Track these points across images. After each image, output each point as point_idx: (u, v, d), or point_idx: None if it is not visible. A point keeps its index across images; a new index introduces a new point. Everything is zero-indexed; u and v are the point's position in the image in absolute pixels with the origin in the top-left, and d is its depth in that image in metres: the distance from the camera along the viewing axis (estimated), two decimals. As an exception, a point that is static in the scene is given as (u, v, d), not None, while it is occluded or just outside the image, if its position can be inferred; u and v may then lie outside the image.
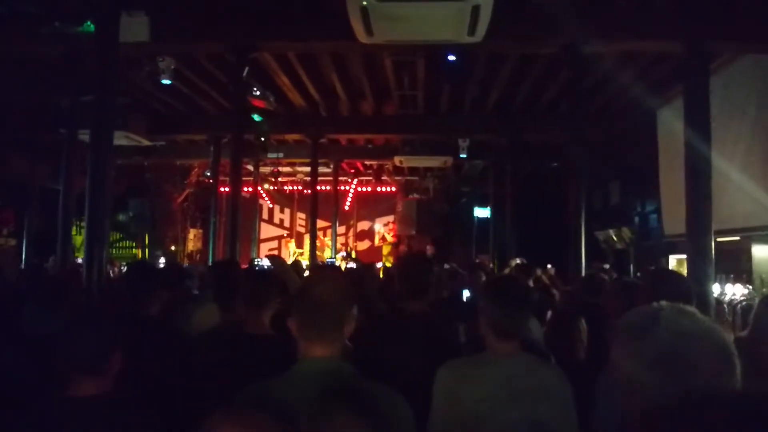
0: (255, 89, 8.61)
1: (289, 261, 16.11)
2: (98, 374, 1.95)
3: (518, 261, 9.01)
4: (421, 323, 2.70)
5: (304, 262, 13.03)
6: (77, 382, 1.93)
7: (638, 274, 9.46)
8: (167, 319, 3.49)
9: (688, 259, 4.30)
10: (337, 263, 13.82)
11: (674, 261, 10.38)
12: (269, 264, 3.76)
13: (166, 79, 7.74)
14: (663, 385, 1.20)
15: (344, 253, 16.22)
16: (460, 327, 3.50)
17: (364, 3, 4.79)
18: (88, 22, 5.56)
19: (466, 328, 3.43)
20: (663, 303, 1.30)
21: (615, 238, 13.14)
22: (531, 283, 7.14)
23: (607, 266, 10.02)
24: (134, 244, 16.52)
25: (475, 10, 4.86)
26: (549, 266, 7.95)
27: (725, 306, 6.07)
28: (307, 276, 2.77)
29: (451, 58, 7.01)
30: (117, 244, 16.25)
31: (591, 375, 2.29)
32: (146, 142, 10.81)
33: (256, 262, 6.44)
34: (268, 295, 2.81)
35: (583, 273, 6.25)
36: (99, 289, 3.73)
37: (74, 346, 1.96)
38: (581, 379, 2.39)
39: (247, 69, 6.91)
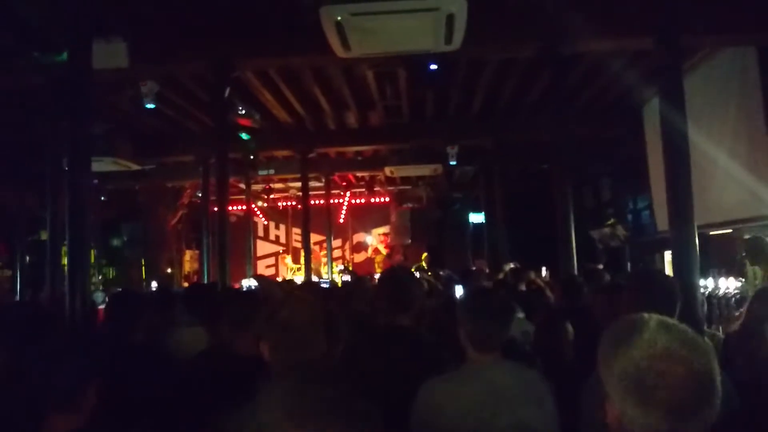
0: (240, 108, 8.62)
1: (288, 276, 16.14)
2: (70, 410, 1.92)
3: (512, 265, 9.03)
4: (403, 338, 2.67)
5: (299, 278, 13.01)
6: (49, 418, 1.91)
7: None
8: (154, 345, 3.48)
9: (672, 253, 4.29)
10: (336, 277, 13.81)
11: (669, 256, 10.36)
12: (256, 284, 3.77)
13: (150, 103, 7.74)
14: (635, 406, 1.17)
15: (342, 267, 16.20)
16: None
17: (339, 18, 4.79)
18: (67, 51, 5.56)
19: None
20: (647, 317, 1.24)
21: (609, 236, 13.14)
22: (524, 287, 7.14)
23: (600, 266, 10.00)
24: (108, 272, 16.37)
25: (450, 19, 4.86)
26: (543, 269, 7.95)
27: (716, 300, 6.04)
28: (277, 299, 2.76)
29: (432, 67, 7.02)
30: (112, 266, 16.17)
31: (578, 377, 2.28)
32: (135, 166, 10.79)
33: (242, 283, 6.43)
34: (253, 316, 2.79)
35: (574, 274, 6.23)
36: (83, 318, 3.72)
37: (45, 382, 1.93)
38: (568, 381, 2.39)
39: (228, 89, 6.91)
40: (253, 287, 5.60)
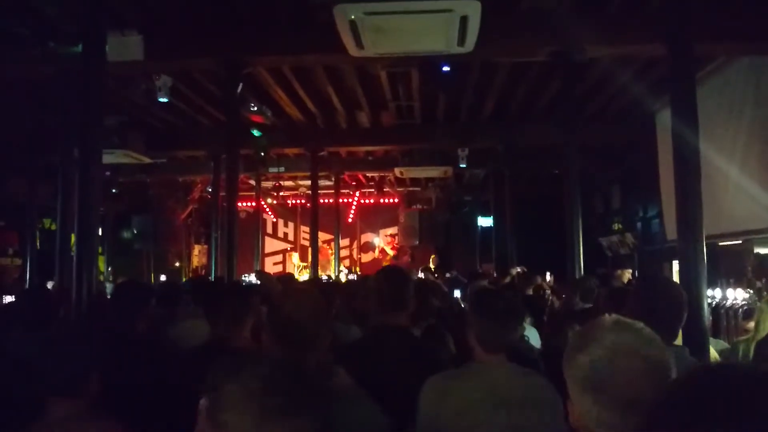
0: (252, 104, 8.65)
1: (296, 274, 16.18)
2: (73, 396, 1.95)
3: (518, 269, 9.01)
4: (399, 338, 2.67)
5: (305, 276, 13.04)
6: (52, 403, 1.93)
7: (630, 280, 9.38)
8: (156, 336, 3.51)
9: (679, 263, 4.27)
10: (342, 277, 13.82)
11: (678, 266, 10.28)
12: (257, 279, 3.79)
13: (164, 96, 7.78)
14: (591, 403, 1.22)
15: (347, 270, 16.22)
16: (448, 338, 3.47)
17: (352, 17, 4.81)
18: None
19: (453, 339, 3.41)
20: (608, 317, 1.31)
21: (618, 244, 13.09)
22: (531, 292, 7.14)
23: (623, 272, 9.84)
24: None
25: (463, 21, 4.87)
26: (548, 273, 7.92)
27: (724, 311, 6.00)
28: (279, 293, 2.78)
29: (445, 68, 7.02)
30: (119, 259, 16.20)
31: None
32: (147, 160, 10.85)
33: (242, 278, 6.47)
34: (245, 312, 2.83)
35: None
36: (88, 308, 3.76)
37: (49, 369, 1.96)
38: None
39: (241, 85, 6.93)
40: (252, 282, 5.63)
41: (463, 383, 2.27)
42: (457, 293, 6.02)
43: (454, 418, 2.19)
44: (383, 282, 2.80)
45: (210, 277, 11.32)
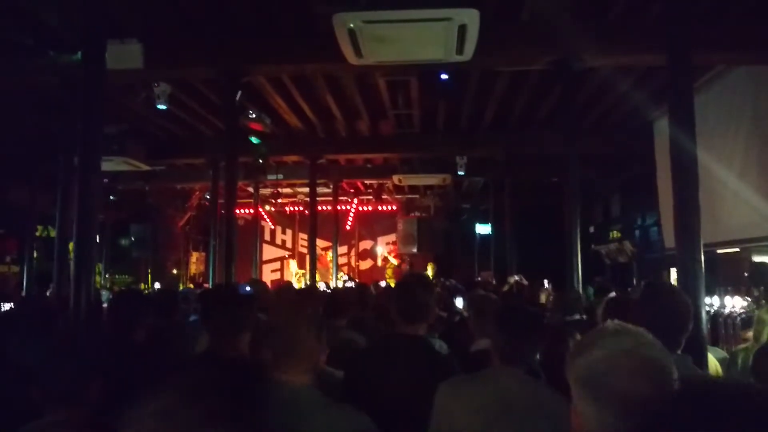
0: (251, 112, 8.66)
1: (293, 281, 16.16)
2: (74, 405, 1.95)
3: (516, 278, 9.01)
4: (415, 349, 2.63)
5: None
6: (54, 412, 1.93)
7: (629, 289, 9.38)
8: (155, 345, 3.49)
9: (678, 271, 4.28)
10: (341, 285, 13.80)
11: (676, 274, 10.29)
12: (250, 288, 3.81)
13: (162, 104, 7.79)
14: (590, 404, 1.24)
15: (346, 277, 16.21)
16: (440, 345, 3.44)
17: (351, 25, 4.82)
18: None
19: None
20: (610, 323, 1.32)
21: (617, 252, 13.11)
22: (543, 300, 7.12)
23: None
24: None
25: (462, 30, 4.88)
26: (546, 281, 7.92)
27: (722, 319, 6.00)
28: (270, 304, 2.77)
29: (444, 76, 7.04)
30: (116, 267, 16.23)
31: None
32: (146, 167, 10.84)
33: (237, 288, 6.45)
34: (239, 323, 2.79)
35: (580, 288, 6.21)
36: (86, 316, 3.75)
37: (49, 377, 1.96)
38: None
39: (240, 93, 6.94)
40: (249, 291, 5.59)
41: (474, 386, 2.31)
42: (459, 302, 6.01)
43: (466, 417, 2.22)
44: (402, 293, 2.76)
45: (220, 286, 11.29)
